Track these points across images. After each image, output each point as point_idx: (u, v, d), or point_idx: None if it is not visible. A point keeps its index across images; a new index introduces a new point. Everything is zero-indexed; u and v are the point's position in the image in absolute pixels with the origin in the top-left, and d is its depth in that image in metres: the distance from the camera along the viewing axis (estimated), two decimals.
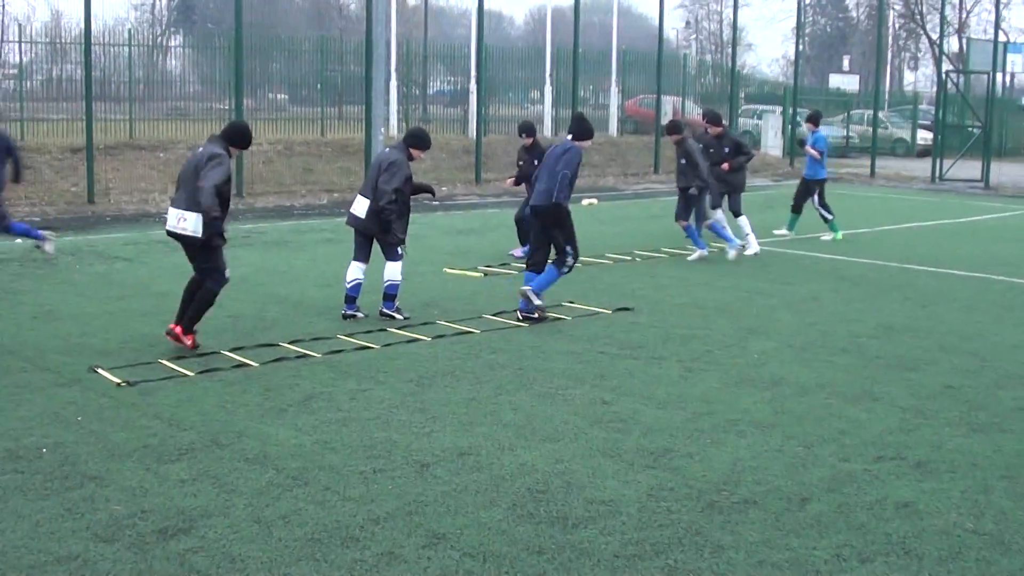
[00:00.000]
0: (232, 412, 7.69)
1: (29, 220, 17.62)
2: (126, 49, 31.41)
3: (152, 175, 22.56)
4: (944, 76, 32.46)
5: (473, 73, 31.52)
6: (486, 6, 20.92)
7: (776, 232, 18.07)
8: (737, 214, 15.86)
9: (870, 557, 5.51)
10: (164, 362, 9.02)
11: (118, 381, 8.39)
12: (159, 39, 53.96)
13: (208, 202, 8.98)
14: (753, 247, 15.71)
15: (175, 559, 5.29)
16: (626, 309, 11.56)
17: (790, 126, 35.04)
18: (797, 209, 18.05)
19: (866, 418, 7.89)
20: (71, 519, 5.77)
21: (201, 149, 9.35)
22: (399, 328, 10.40)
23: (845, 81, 56.87)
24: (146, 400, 7.95)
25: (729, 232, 15.36)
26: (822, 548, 5.61)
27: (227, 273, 9.63)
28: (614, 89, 34.95)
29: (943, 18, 38.44)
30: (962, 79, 37.39)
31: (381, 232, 10.63)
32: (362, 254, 10.85)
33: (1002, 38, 34.09)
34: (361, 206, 10.65)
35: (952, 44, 54.98)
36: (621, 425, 7.56)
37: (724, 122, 16.19)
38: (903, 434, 7.55)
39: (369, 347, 9.65)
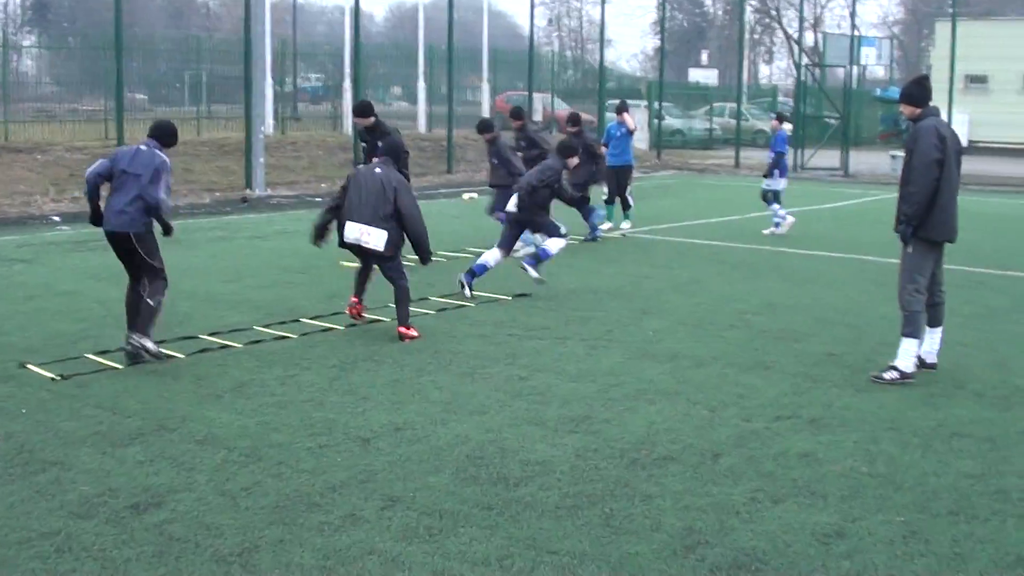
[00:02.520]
0: (170, 400, 8.06)
1: None
2: None
3: (32, 177, 22.43)
4: (804, 69, 33.82)
5: (348, 71, 31.93)
6: (347, 3, 21.29)
7: (623, 226, 18.25)
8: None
9: (781, 498, 6.20)
10: (91, 356, 9.31)
11: (52, 376, 8.67)
12: (12, 38, 52.91)
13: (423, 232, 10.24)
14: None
15: (153, 530, 5.70)
16: (524, 295, 12.16)
17: (656, 120, 36.04)
18: (622, 200, 18.19)
19: (761, 384, 8.62)
20: (43, 500, 6.12)
21: (378, 171, 10.13)
22: (311, 318, 10.82)
23: (704, 75, 58.44)
24: (84, 392, 8.26)
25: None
26: (738, 493, 6.27)
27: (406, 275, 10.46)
28: (485, 86, 35.53)
29: (802, 14, 39.92)
30: (819, 72, 38.87)
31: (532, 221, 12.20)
32: (506, 243, 12.20)
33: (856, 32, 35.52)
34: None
35: (807, 38, 56.82)
36: (540, 397, 8.15)
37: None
38: (796, 396, 8.29)
39: (288, 336, 10.06)
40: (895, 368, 8.70)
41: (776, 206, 17.86)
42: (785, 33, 59.94)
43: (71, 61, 32.10)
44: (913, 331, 8.73)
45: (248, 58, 23.04)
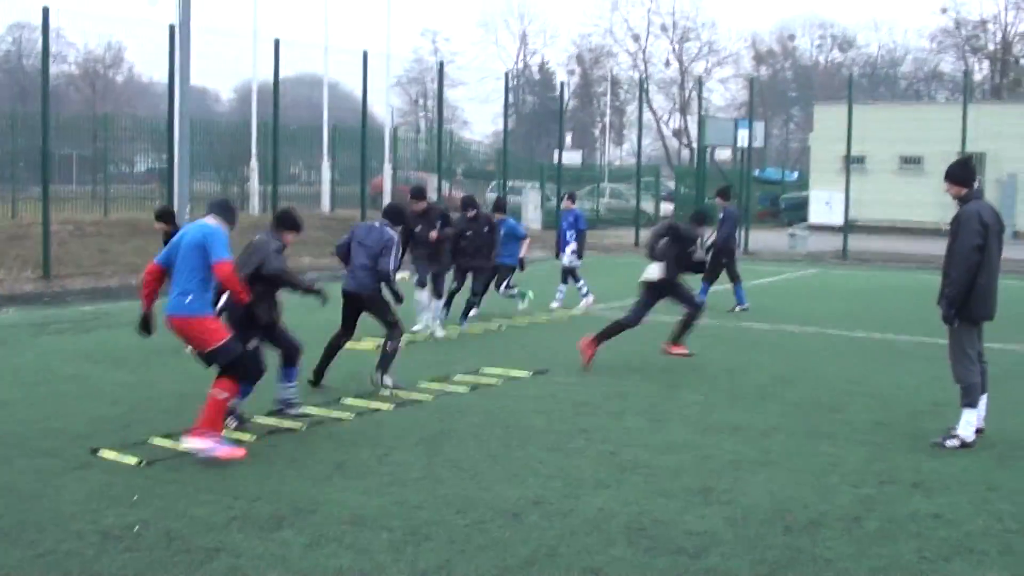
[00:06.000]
0: (281, 482, 7.95)
1: None
2: None
3: None
4: (704, 152, 34.97)
5: (255, 150, 31.76)
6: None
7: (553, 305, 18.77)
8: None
9: (948, 556, 6.53)
10: (159, 442, 9.06)
11: (134, 461, 8.45)
12: None
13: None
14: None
15: None
16: (543, 372, 12.30)
17: (548, 201, 36.71)
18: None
19: (838, 452, 8.95)
20: None
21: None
22: (353, 398, 10.76)
23: (569, 157, 59.54)
24: (182, 477, 8.05)
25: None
26: (906, 552, 6.59)
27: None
28: (325, 163, 35.47)
29: (700, 98, 41.22)
30: (692, 153, 40.21)
31: None
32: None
33: (727, 116, 36.94)
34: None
35: (673, 122, 58.65)
36: (648, 471, 8.30)
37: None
38: (880, 463, 8.65)
39: (343, 419, 9.96)
40: (957, 436, 9.13)
41: (580, 282, 19.33)
42: (654, 115, 61.60)
43: None
44: (971, 401, 9.22)
45: (171, 141, 22.85)
